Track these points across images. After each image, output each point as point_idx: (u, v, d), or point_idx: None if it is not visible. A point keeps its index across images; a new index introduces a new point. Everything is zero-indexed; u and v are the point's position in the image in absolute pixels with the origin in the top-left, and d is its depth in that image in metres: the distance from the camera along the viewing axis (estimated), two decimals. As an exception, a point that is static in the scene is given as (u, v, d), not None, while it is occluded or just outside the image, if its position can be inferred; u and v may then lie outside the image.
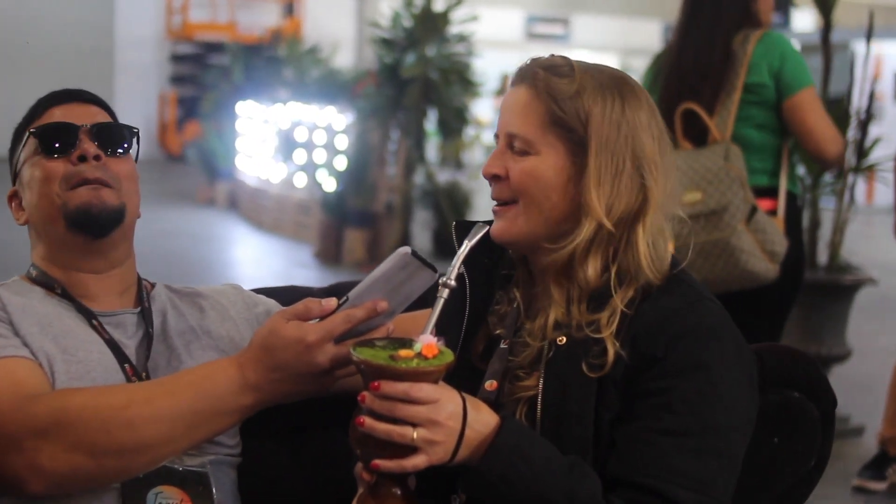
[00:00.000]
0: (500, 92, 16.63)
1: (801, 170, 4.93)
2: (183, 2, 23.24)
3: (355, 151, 11.59)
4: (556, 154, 1.97)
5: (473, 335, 2.10)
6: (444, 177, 11.62)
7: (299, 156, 12.73)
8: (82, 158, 2.16)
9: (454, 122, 11.00)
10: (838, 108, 6.10)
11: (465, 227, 2.01)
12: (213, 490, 2.09)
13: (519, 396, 1.98)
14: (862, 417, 6.12)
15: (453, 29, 10.91)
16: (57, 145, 2.18)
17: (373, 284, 1.96)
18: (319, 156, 12.27)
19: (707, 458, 1.87)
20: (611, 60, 25.67)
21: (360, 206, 11.31)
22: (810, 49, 7.88)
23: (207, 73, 18.39)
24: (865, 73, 6.31)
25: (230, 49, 16.87)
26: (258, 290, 2.48)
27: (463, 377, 1.94)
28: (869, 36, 6.31)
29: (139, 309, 2.23)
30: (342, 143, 11.84)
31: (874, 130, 6.39)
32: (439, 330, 1.86)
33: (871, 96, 6.18)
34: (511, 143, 2.01)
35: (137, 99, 22.38)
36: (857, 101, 6.23)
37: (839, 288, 6.13)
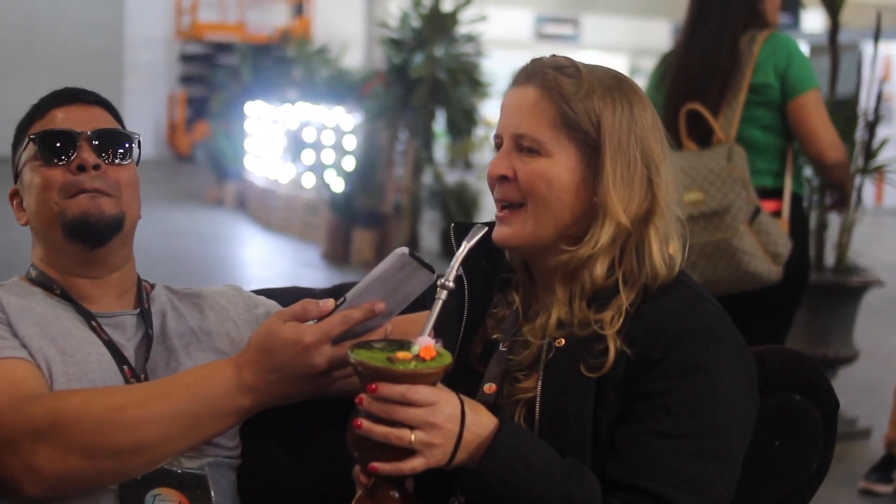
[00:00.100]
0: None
1: (808, 171, 4.91)
2: (192, 2, 23.26)
3: (363, 152, 11.59)
4: (568, 155, 1.97)
5: (471, 337, 2.09)
6: (452, 177, 11.60)
7: (308, 156, 12.73)
8: (81, 168, 2.14)
9: (463, 123, 10.98)
10: (846, 109, 6.09)
11: (464, 229, 2.00)
12: (212, 492, 2.09)
13: (518, 398, 1.97)
14: (869, 420, 6.10)
15: (462, 29, 10.89)
16: (56, 153, 2.16)
17: (370, 285, 1.95)
18: (328, 156, 12.28)
19: (706, 461, 1.86)
20: (620, 61, 25.70)
21: (369, 207, 11.31)
22: (820, 50, 7.87)
23: (216, 73, 18.39)
24: (873, 74, 6.29)
25: (239, 49, 16.89)
26: (259, 291, 2.47)
27: (461, 379, 1.93)
28: (877, 37, 6.29)
29: (138, 310, 2.23)
30: (350, 143, 11.84)
31: (882, 132, 6.37)
32: (437, 332, 1.85)
33: (879, 97, 6.15)
34: (518, 144, 1.99)
35: (147, 99, 22.41)
36: (865, 103, 6.21)
37: (846, 289, 6.11)
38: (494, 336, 2.07)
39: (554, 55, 2.06)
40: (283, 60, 16.10)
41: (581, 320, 1.95)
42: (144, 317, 2.22)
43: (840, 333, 6.06)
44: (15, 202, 2.26)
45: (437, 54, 10.75)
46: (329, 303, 1.98)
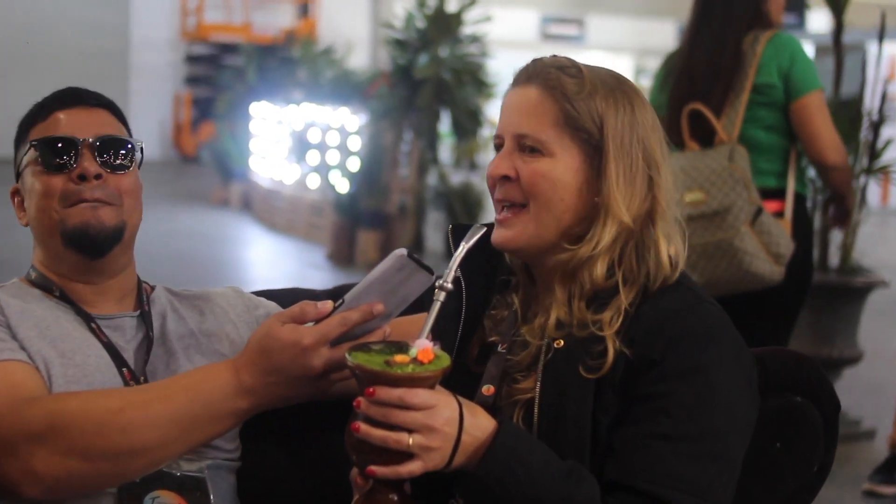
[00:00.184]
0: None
1: (812, 172, 4.90)
2: (198, 3, 23.28)
3: (368, 153, 11.60)
4: (571, 155, 1.96)
5: (469, 338, 2.09)
6: (457, 178, 11.60)
7: (312, 157, 12.74)
8: (83, 177, 2.13)
9: (468, 124, 10.97)
10: (850, 110, 6.07)
11: (463, 231, 2.00)
12: (211, 495, 2.08)
13: (516, 399, 1.96)
14: (873, 420, 6.09)
15: (466, 29, 10.89)
16: (57, 161, 2.14)
17: (369, 287, 1.94)
18: (332, 157, 12.28)
19: (705, 463, 1.86)
20: (626, 61, 25.69)
21: (373, 208, 11.31)
22: (825, 50, 7.85)
23: (222, 74, 18.40)
24: (878, 74, 6.28)
25: (244, 50, 16.90)
26: (260, 293, 2.46)
27: (458, 380, 1.93)
28: (881, 37, 6.28)
29: (138, 312, 2.22)
30: (355, 144, 11.85)
31: (886, 132, 6.35)
32: (435, 333, 1.84)
33: (884, 97, 6.14)
34: (520, 144, 1.99)
35: (152, 100, 22.44)
36: (870, 103, 6.20)
37: (851, 290, 6.10)
38: (492, 338, 2.07)
39: (555, 55, 2.06)
40: (288, 61, 16.10)
41: (580, 321, 1.95)
42: (145, 319, 2.21)
43: (844, 334, 6.05)
44: (16, 200, 2.24)
45: (441, 55, 10.75)
46: (327, 304, 1.97)
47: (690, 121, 4.31)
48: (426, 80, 10.63)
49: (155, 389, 2.02)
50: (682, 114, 4.30)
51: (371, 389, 1.76)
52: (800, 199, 4.38)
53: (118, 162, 2.17)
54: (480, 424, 1.82)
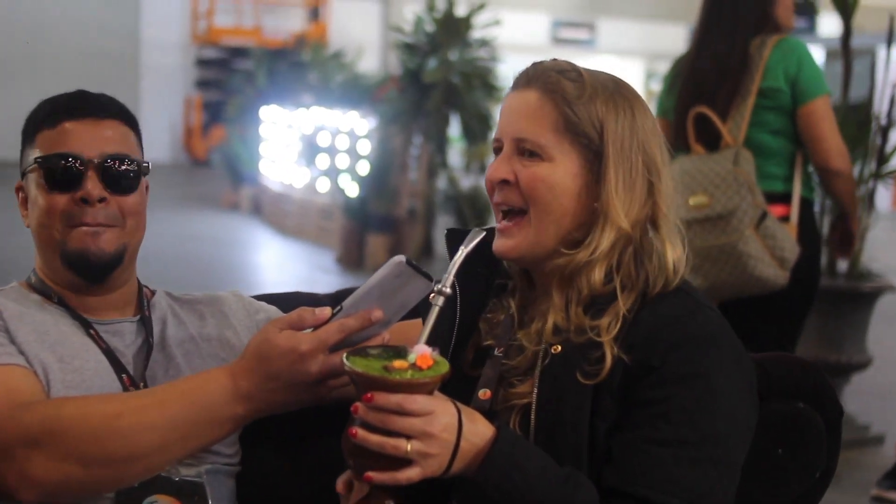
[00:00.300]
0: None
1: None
2: (209, 6, 23.32)
3: (378, 156, 11.60)
4: (570, 160, 1.96)
5: (464, 342, 2.08)
6: (467, 182, 11.60)
7: (322, 161, 12.75)
8: (85, 201, 2.11)
9: (477, 127, 10.97)
10: (859, 114, 6.05)
11: (458, 235, 1.99)
12: (209, 500, 2.08)
13: (513, 404, 1.95)
14: (882, 426, 6.07)
15: (476, 33, 10.89)
16: (61, 181, 2.12)
17: (367, 293, 1.94)
18: (342, 161, 12.29)
19: (705, 468, 1.85)
20: (636, 65, 25.67)
21: (383, 211, 11.31)
22: (835, 54, 7.83)
23: (232, 77, 18.44)
24: (887, 78, 6.26)
25: (255, 54, 16.93)
26: (262, 297, 2.46)
27: (454, 385, 1.91)
28: (890, 41, 6.26)
29: (138, 317, 2.22)
30: (365, 147, 11.85)
31: (895, 136, 6.33)
32: (432, 339, 1.83)
33: (893, 101, 6.12)
34: (520, 148, 1.98)
35: (163, 103, 22.47)
36: (879, 107, 6.18)
37: (859, 295, 6.08)
38: (487, 342, 2.06)
39: (555, 59, 2.05)
40: (298, 65, 16.13)
41: (577, 326, 1.94)
42: (145, 324, 2.21)
43: (853, 339, 6.03)
44: (20, 197, 2.23)
45: (451, 59, 10.75)
46: (325, 311, 1.97)
47: (696, 124, 4.30)
48: (436, 83, 10.63)
49: (152, 395, 2.01)
50: (688, 117, 4.29)
51: (369, 395, 1.75)
52: (807, 203, 4.36)
53: (123, 186, 2.15)
54: (479, 431, 1.81)
